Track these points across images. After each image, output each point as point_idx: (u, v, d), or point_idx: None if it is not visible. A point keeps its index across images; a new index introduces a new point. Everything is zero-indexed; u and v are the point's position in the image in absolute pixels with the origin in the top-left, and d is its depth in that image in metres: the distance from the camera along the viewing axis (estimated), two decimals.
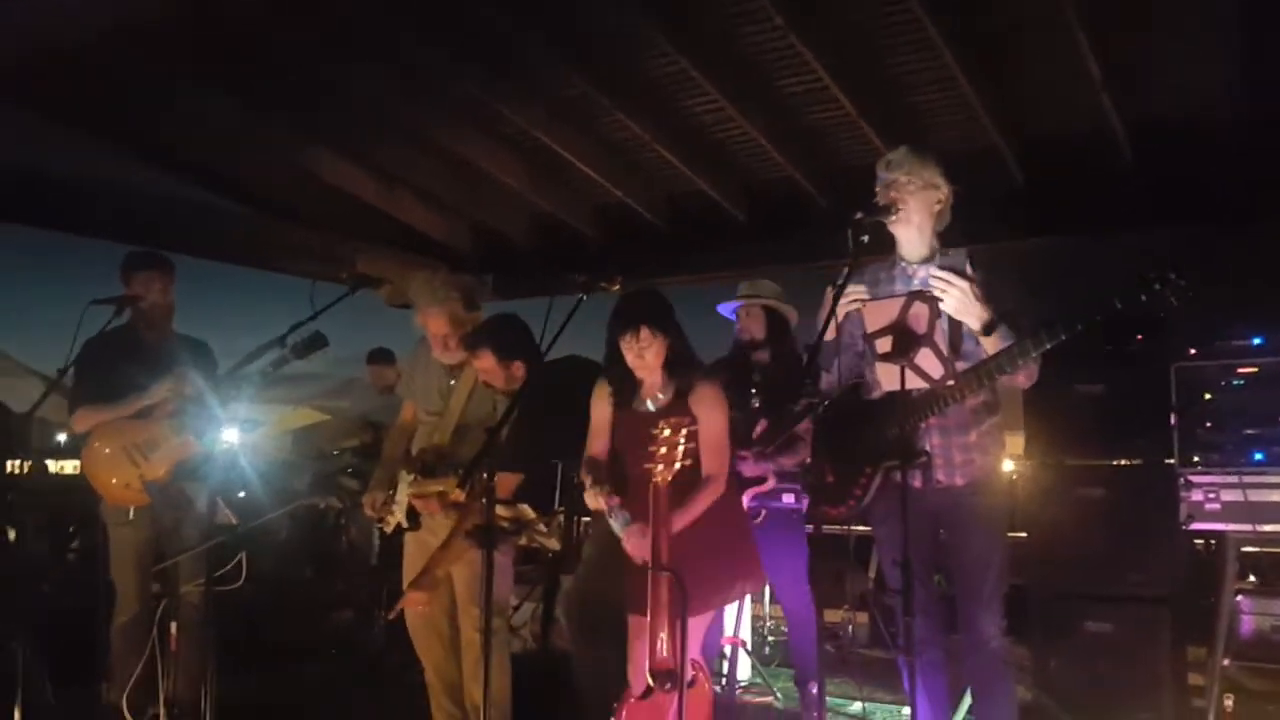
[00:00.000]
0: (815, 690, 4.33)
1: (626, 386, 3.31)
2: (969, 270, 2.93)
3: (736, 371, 4.35)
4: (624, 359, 3.25)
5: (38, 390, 4.43)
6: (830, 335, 3.02)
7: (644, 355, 3.21)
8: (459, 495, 3.35)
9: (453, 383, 3.82)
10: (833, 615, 6.11)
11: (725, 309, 4.66)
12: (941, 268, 2.96)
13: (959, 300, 2.84)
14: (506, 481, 3.40)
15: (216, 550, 3.35)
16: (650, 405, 3.28)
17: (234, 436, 3.89)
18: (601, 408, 3.39)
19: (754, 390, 4.34)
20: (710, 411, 3.21)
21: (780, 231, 5.84)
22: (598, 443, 3.39)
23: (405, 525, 3.72)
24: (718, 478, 3.20)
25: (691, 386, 3.24)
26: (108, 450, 4.02)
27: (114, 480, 4.02)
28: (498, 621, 3.72)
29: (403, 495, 3.69)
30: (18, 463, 5.36)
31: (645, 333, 3.20)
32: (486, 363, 3.58)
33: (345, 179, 5.85)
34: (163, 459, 3.98)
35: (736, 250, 5.95)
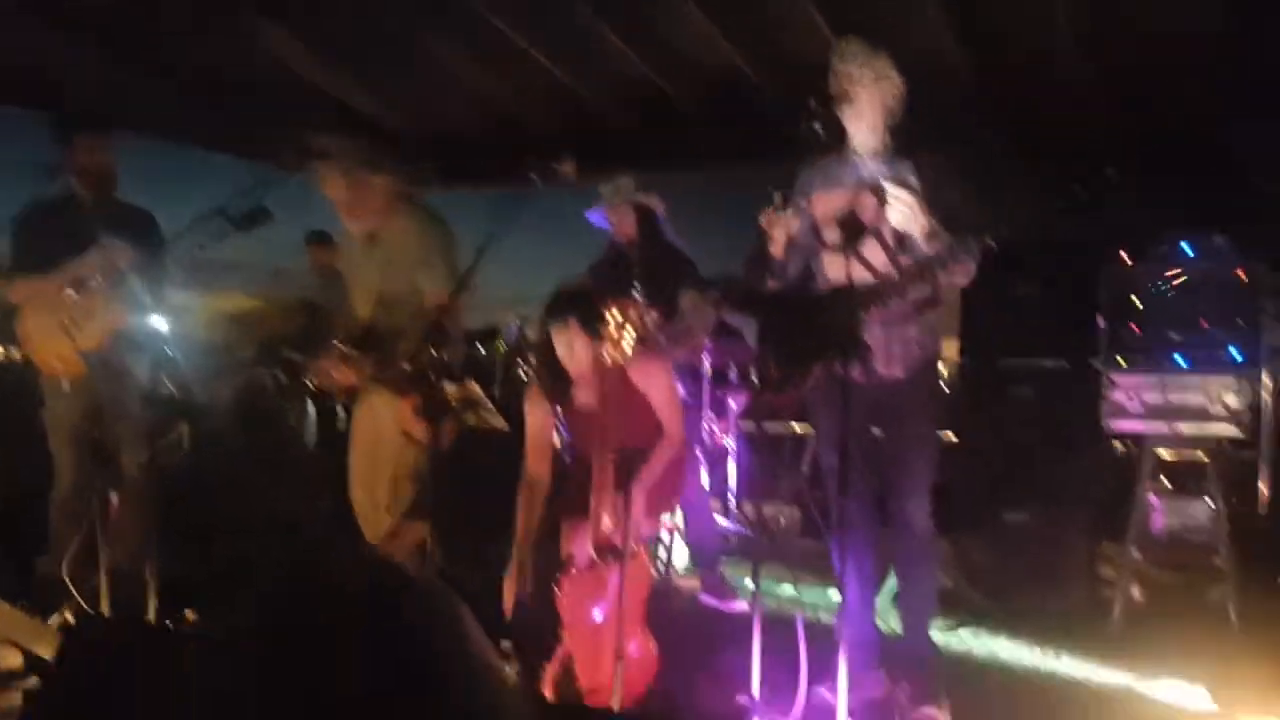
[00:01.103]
0: (719, 572, 4.55)
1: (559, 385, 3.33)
2: (913, 181, 2.95)
3: (618, 270, 4.44)
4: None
5: None
6: (779, 250, 3.06)
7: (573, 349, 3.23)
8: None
9: (370, 254, 3.71)
10: (755, 509, 6.29)
11: (596, 217, 4.68)
12: (889, 179, 2.98)
13: (906, 212, 2.88)
14: None
15: (158, 421, 3.34)
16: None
17: (156, 316, 3.78)
18: (537, 414, 3.41)
19: (635, 285, 4.40)
20: (653, 381, 3.28)
21: (727, 123, 5.80)
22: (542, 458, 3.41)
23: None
24: (675, 434, 3.30)
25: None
26: (43, 321, 3.94)
27: (50, 351, 3.95)
28: None
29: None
30: None
31: (575, 327, 3.21)
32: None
33: (290, 56, 5.66)
34: (97, 330, 3.91)
35: (683, 141, 5.90)
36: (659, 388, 3.28)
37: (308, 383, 3.77)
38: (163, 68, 5.80)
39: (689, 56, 5.58)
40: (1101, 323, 4.10)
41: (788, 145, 3.26)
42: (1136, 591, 4.21)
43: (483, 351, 7.15)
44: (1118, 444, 4.93)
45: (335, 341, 3.58)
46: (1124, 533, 4.18)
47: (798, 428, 6.27)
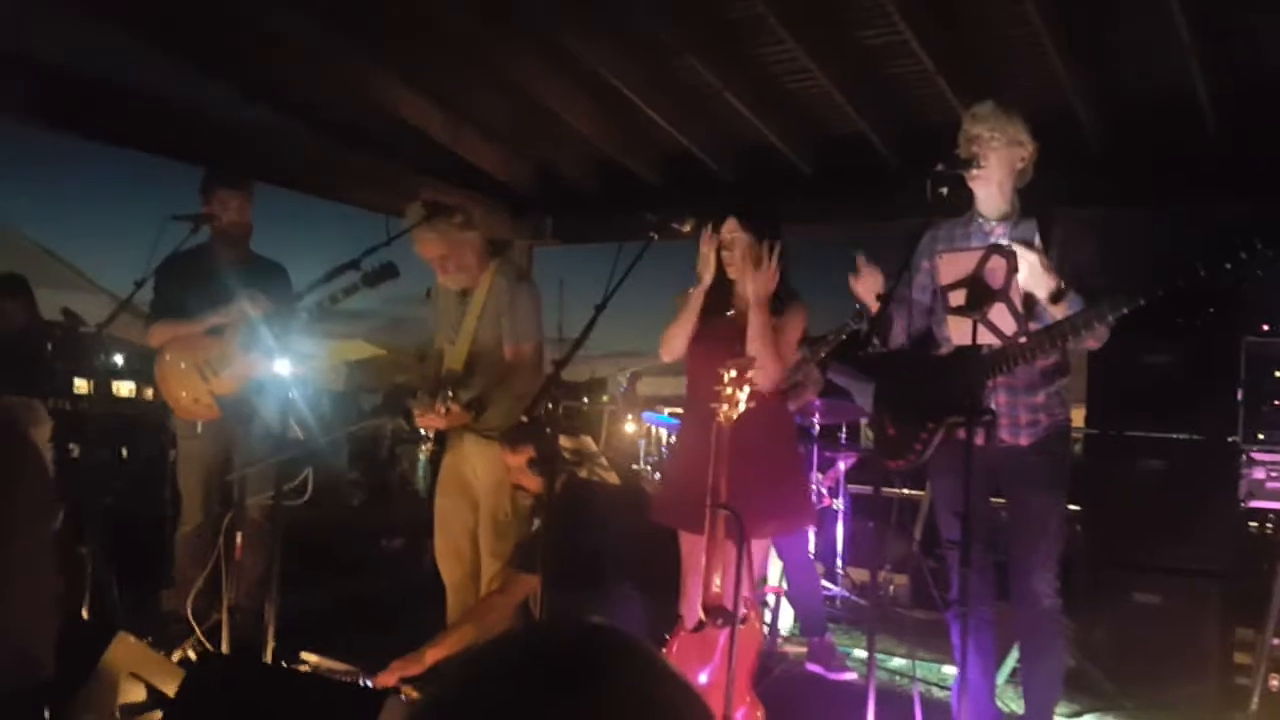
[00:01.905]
0: (827, 639, 4.43)
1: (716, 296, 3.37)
2: (1037, 241, 2.90)
3: None
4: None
5: (106, 309, 4.54)
6: (873, 305, 3.04)
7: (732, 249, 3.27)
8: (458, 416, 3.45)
9: (464, 309, 3.89)
10: (863, 574, 6.14)
11: None
12: (1012, 239, 2.93)
13: (1028, 272, 2.82)
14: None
15: (284, 465, 3.44)
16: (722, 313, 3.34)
17: (285, 368, 3.94)
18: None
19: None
20: (790, 333, 3.28)
21: (848, 186, 5.77)
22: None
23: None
24: (769, 364, 3.22)
25: (781, 309, 3.28)
26: (180, 365, 4.12)
27: (184, 394, 4.13)
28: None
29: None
30: (85, 381, 5.51)
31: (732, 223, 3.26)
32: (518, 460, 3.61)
33: (413, 112, 5.85)
34: (231, 376, 4.07)
35: (803, 204, 5.88)
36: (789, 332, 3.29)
37: (419, 428, 3.88)
38: (292, 115, 6.08)
39: (809, 118, 5.59)
40: (1240, 396, 3.92)
41: (910, 206, 3.23)
42: (1276, 681, 3.95)
43: (586, 403, 7.23)
44: (1254, 523, 4.68)
45: (432, 391, 3.72)
46: (1262, 618, 3.95)
47: (909, 491, 6.13)
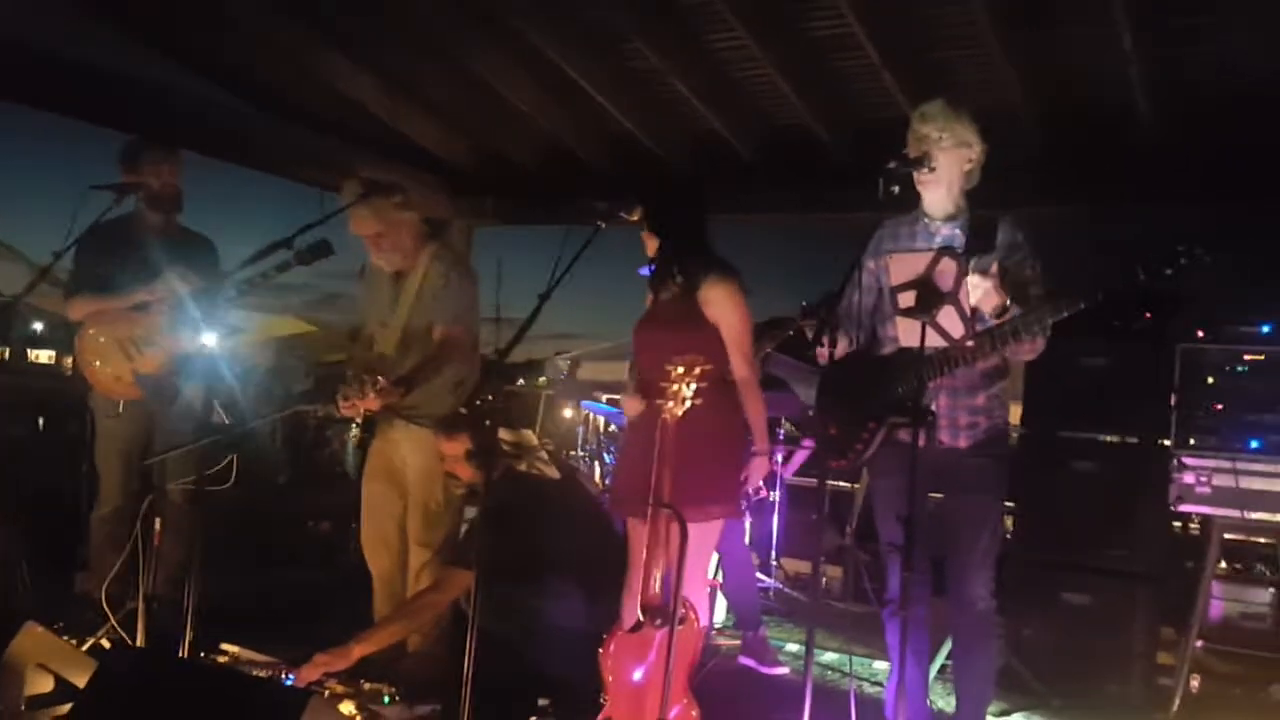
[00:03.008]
0: (761, 633, 4.43)
1: (653, 275, 3.35)
2: (993, 269, 2.86)
3: None
4: None
5: (24, 277, 4.34)
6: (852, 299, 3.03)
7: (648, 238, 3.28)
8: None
9: (397, 291, 3.78)
10: (798, 566, 6.18)
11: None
12: (972, 227, 2.92)
13: (981, 295, 2.81)
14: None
15: (207, 449, 3.31)
16: (664, 295, 3.29)
17: (212, 340, 3.82)
18: None
19: None
20: (724, 309, 3.21)
21: (793, 177, 5.75)
22: None
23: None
24: (751, 375, 3.23)
25: (698, 284, 3.22)
26: (102, 340, 3.95)
27: (106, 371, 3.97)
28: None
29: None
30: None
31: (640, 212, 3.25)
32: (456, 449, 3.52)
33: (353, 87, 5.70)
34: (156, 354, 3.92)
35: (746, 195, 5.85)
36: (731, 324, 3.25)
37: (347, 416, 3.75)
38: (229, 87, 5.88)
39: (757, 109, 5.55)
40: (1173, 401, 3.98)
41: (856, 199, 3.20)
42: (1196, 681, 4.04)
43: (522, 384, 7.12)
44: (1180, 525, 4.79)
45: (358, 373, 3.60)
46: (1186, 619, 4.03)
47: (843, 484, 6.16)
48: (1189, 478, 3.92)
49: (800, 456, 5.87)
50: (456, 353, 3.71)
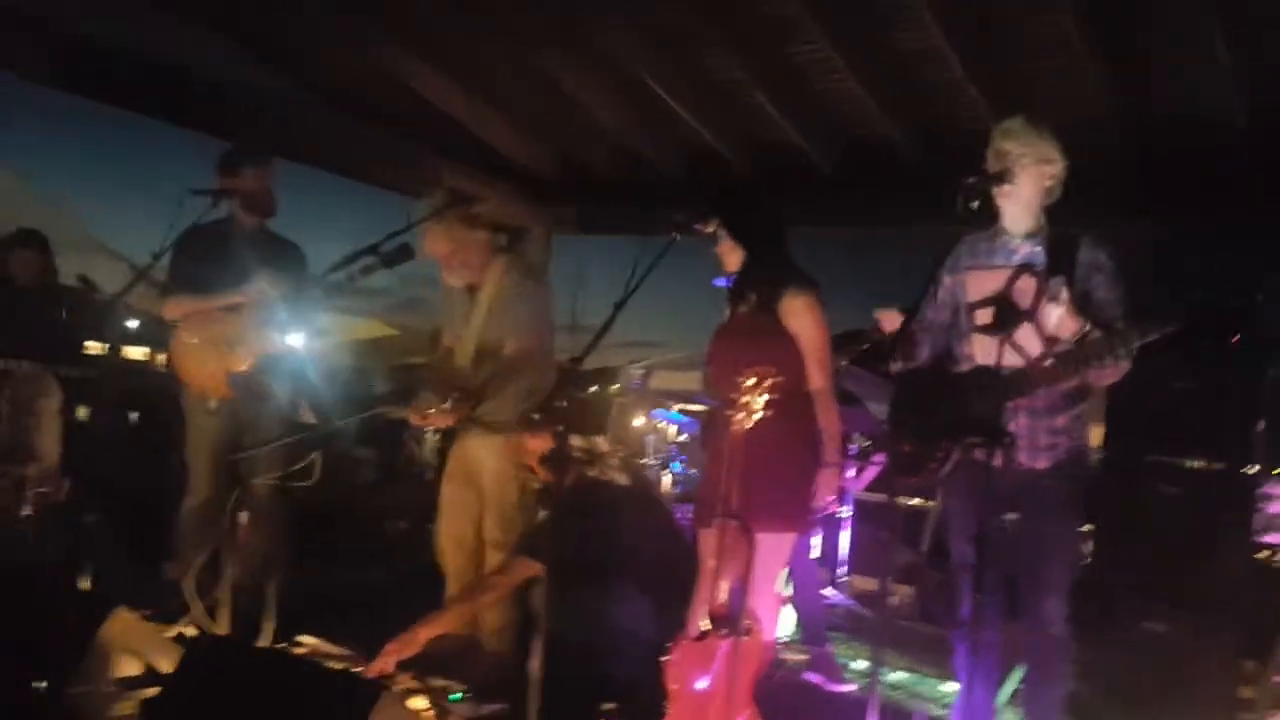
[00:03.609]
0: (828, 649, 4.39)
1: (732, 288, 3.34)
2: (1064, 295, 2.81)
3: None
4: None
5: (123, 276, 4.53)
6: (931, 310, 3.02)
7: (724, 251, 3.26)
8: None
9: (471, 305, 3.85)
10: (867, 583, 6.10)
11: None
12: (1052, 244, 2.88)
13: (1056, 321, 2.77)
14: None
15: (293, 447, 3.42)
16: (741, 310, 3.30)
17: (300, 342, 3.96)
18: None
19: None
20: (803, 322, 3.20)
21: (869, 189, 5.72)
22: None
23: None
24: (827, 387, 3.21)
25: (778, 296, 3.21)
26: (195, 340, 4.10)
27: (199, 370, 4.11)
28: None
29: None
30: (99, 345, 5.50)
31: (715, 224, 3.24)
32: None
33: (438, 94, 5.82)
34: (247, 353, 4.05)
35: (823, 206, 5.84)
36: (810, 336, 3.24)
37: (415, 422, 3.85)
38: (319, 95, 6.06)
39: (837, 121, 5.54)
40: (1261, 427, 3.87)
41: (932, 212, 3.18)
42: (1277, 718, 3.91)
43: (595, 390, 7.18)
44: (1264, 555, 4.63)
45: (435, 387, 3.71)
46: (1268, 653, 3.90)
47: (916, 501, 6.08)
48: (1275, 507, 3.80)
49: (871, 472, 5.81)
50: (528, 363, 3.78)
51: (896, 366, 2.98)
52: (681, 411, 6.74)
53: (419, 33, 5.37)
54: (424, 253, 3.76)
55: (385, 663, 3.28)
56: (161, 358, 7.57)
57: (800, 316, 3.21)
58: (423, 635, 3.35)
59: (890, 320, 3.23)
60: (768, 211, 3.40)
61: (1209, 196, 4.83)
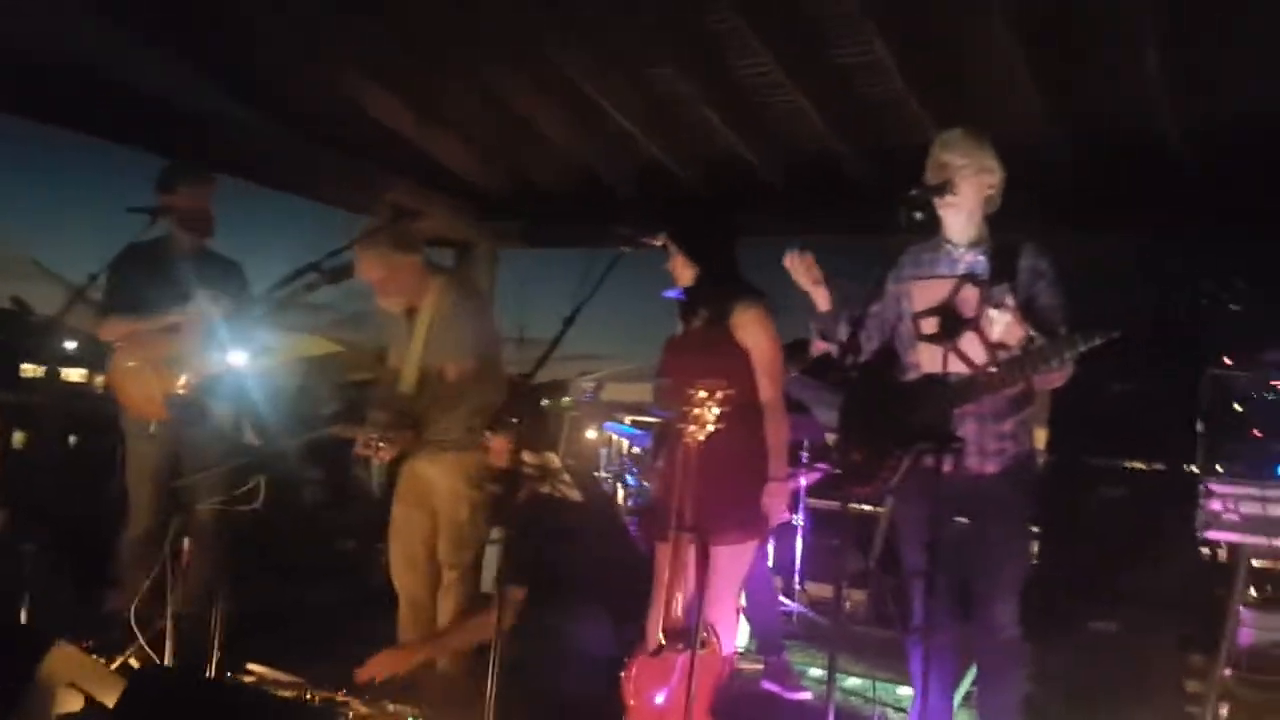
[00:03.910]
0: (784, 658, 4.41)
1: (683, 303, 3.35)
2: (1009, 300, 2.85)
3: None
4: None
5: (59, 296, 4.43)
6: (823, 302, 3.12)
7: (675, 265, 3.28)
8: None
9: (410, 328, 3.79)
10: (821, 590, 6.14)
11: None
12: (994, 252, 2.92)
13: (1003, 329, 2.81)
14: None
15: (237, 470, 3.36)
16: (694, 324, 3.30)
17: (241, 360, 3.89)
18: None
19: None
20: (755, 335, 3.20)
21: (818, 201, 5.77)
22: None
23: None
24: (777, 400, 3.20)
25: (729, 310, 3.22)
26: (133, 362, 4.02)
27: (138, 393, 4.02)
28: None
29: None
30: (34, 367, 5.36)
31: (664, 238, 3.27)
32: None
33: (383, 110, 5.78)
34: (187, 374, 3.97)
35: (772, 217, 5.88)
36: (761, 349, 3.24)
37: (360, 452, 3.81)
38: (261, 110, 5.99)
39: (783, 134, 5.59)
40: (1201, 428, 3.95)
41: (880, 223, 3.21)
42: (1225, 710, 3.98)
43: (545, 404, 7.14)
44: (1207, 552, 4.72)
45: (375, 417, 3.68)
46: (1214, 647, 3.97)
47: (867, 507, 6.13)
48: (1216, 504, 3.86)
49: (814, 477, 5.84)
50: (473, 384, 3.73)
51: (848, 361, 2.99)
52: (634, 424, 6.73)
53: (366, 50, 5.33)
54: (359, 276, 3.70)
55: (376, 670, 3.26)
56: (100, 379, 7.39)
57: (751, 329, 3.22)
58: (415, 657, 3.33)
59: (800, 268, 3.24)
60: (719, 228, 3.41)
61: (1144, 204, 4.95)
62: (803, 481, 5.75)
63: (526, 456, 3.15)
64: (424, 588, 3.87)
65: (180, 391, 3.97)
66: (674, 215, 3.39)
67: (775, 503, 3.12)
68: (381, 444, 3.54)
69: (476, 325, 3.82)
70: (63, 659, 2.93)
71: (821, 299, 3.17)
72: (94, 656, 3.17)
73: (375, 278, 3.70)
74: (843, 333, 3.15)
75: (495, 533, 3.97)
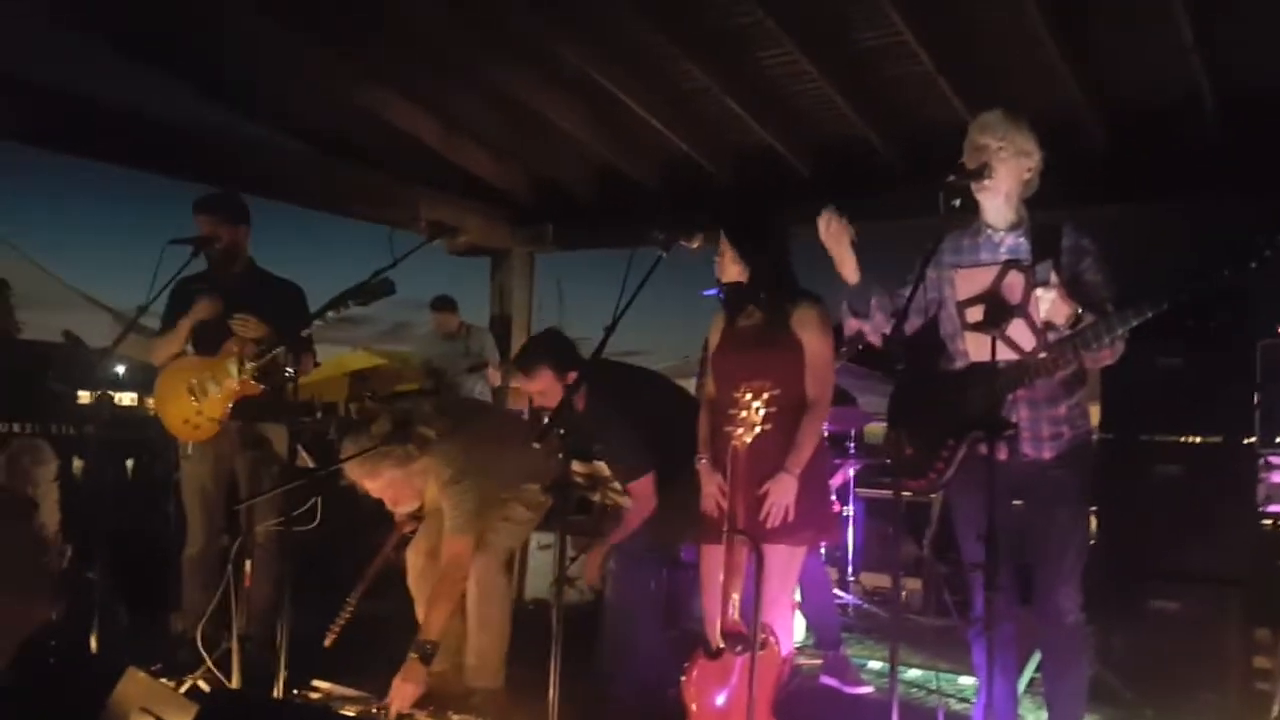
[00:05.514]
0: (842, 652, 4.37)
1: (732, 301, 3.30)
2: (1053, 278, 2.80)
3: None
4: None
5: (105, 324, 4.51)
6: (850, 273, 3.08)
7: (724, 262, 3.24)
8: None
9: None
10: (876, 580, 6.10)
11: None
12: (1034, 234, 2.88)
13: (1048, 306, 2.77)
14: (644, 484, 3.45)
15: (293, 491, 3.40)
16: (742, 322, 3.27)
17: (291, 381, 3.91)
18: (714, 336, 3.39)
19: None
20: (812, 335, 3.18)
21: (848, 188, 5.72)
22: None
23: None
24: (821, 402, 3.16)
25: (791, 308, 3.19)
26: (169, 385, 4.10)
27: (174, 414, 4.11)
28: (501, 579, 3.83)
29: None
30: (88, 394, 5.47)
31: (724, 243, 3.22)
32: (543, 383, 3.55)
33: (409, 122, 5.83)
34: (221, 396, 4.03)
35: (802, 206, 5.83)
36: (815, 347, 3.21)
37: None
38: (290, 132, 6.06)
39: (810, 122, 5.55)
40: (1256, 399, 3.88)
41: (912, 208, 3.16)
42: None
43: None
44: (1269, 525, 4.64)
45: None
46: None
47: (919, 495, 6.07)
48: (1277, 476, 3.81)
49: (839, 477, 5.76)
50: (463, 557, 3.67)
51: (894, 345, 2.95)
52: None
53: (388, 64, 5.38)
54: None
55: (399, 707, 3.28)
56: (150, 401, 7.53)
57: (811, 328, 3.19)
58: (419, 668, 3.36)
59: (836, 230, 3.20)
60: (773, 224, 3.38)
61: (1183, 176, 4.86)
62: (851, 472, 5.72)
63: (576, 466, 3.16)
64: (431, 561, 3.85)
65: (219, 413, 4.02)
66: (726, 213, 3.35)
67: (779, 491, 3.05)
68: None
69: (467, 504, 3.64)
70: (134, 685, 2.98)
71: (850, 270, 3.12)
72: (163, 680, 3.23)
73: (386, 497, 3.69)
74: (885, 324, 3.11)
75: (545, 539, 3.98)
